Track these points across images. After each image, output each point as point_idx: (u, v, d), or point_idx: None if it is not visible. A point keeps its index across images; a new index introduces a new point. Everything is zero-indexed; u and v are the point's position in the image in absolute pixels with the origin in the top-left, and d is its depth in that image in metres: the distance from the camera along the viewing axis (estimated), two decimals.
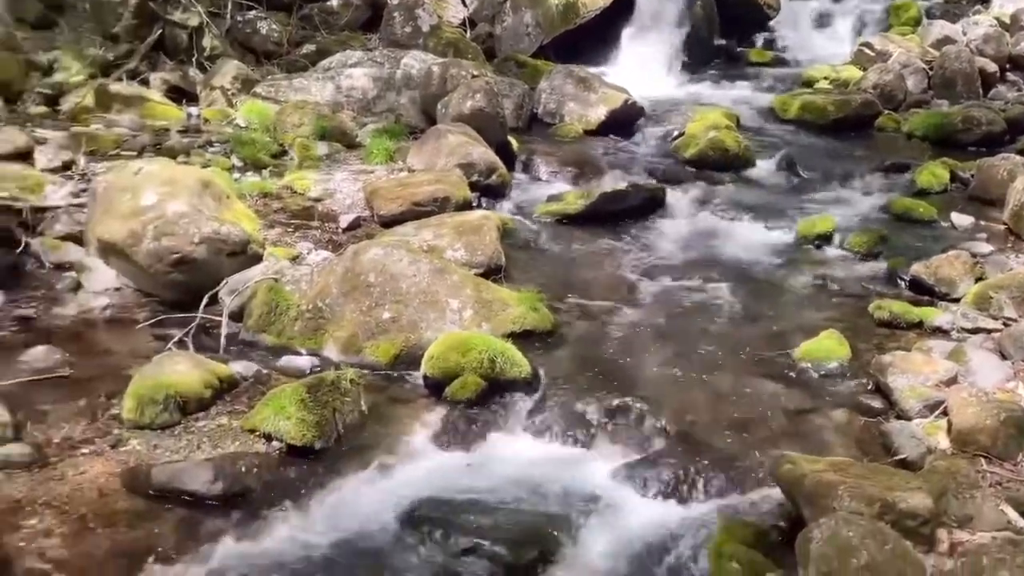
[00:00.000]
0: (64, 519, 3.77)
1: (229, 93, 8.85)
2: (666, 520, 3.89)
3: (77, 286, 5.65)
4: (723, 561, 3.49)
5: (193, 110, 8.76)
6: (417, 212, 6.42)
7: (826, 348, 5.10)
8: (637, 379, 4.88)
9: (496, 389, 4.69)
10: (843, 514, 3.31)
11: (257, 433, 4.33)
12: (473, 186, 6.92)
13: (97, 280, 5.68)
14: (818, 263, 6.39)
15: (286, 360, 5.04)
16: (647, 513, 3.94)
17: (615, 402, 4.59)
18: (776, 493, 3.90)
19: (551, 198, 7.20)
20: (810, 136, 9.03)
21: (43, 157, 6.92)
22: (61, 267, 5.80)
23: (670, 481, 4.11)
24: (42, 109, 8.30)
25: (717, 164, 8.01)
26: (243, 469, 4.09)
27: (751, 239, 6.78)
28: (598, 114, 8.83)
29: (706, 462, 4.20)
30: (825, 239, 6.67)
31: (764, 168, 8.10)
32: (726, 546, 3.53)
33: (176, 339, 5.10)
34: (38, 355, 4.87)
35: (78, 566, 3.55)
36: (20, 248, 5.78)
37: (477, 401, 4.65)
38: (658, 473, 4.15)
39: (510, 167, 7.58)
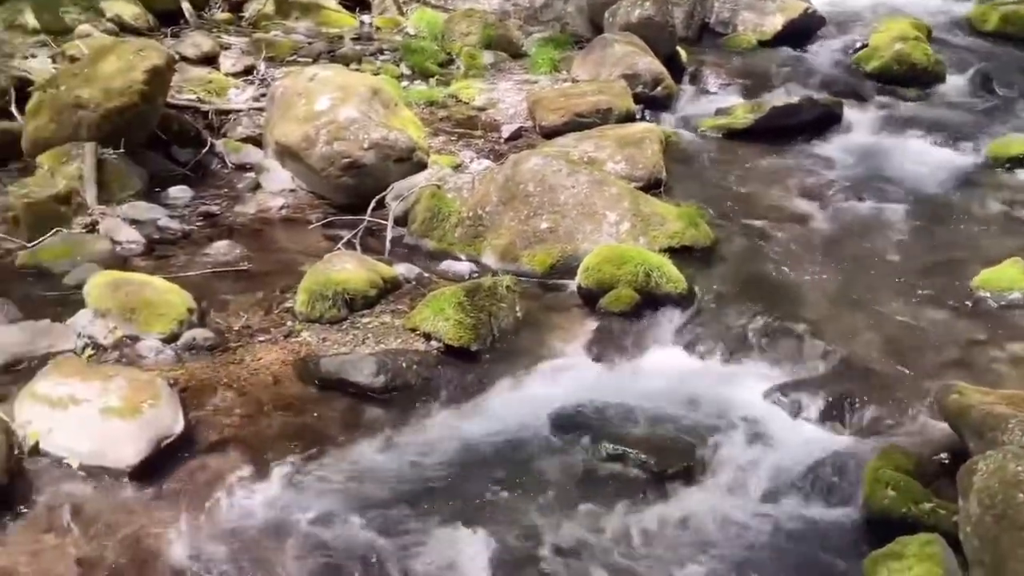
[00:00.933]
0: (242, 400, 4.07)
1: (400, 1, 8.98)
2: (820, 443, 3.81)
3: (256, 186, 5.99)
4: (879, 486, 3.39)
5: (366, 18, 8.96)
6: (579, 123, 6.38)
7: (1008, 277, 4.77)
8: (798, 300, 4.74)
9: (650, 303, 4.68)
10: (1013, 448, 3.14)
11: (417, 332, 4.50)
12: (637, 98, 6.79)
13: (274, 181, 6.00)
14: (1007, 188, 5.94)
15: (446, 264, 5.19)
16: (800, 435, 3.87)
17: (773, 322, 4.49)
18: (939, 424, 3.74)
19: (719, 111, 6.97)
20: (1010, 50, 8.27)
21: (227, 62, 7.31)
22: (242, 167, 6.16)
23: (827, 404, 4.00)
24: (226, 16, 8.68)
25: (902, 79, 7.50)
26: (403, 365, 4.27)
27: (935, 159, 6.36)
28: (774, 24, 8.41)
29: (867, 387, 4.06)
30: (1019, 162, 6.17)
31: (955, 84, 7.53)
32: (883, 471, 3.43)
33: (345, 240, 5.34)
34: (221, 249, 5.23)
35: (254, 444, 3.84)
36: (206, 148, 6.17)
37: (630, 314, 4.65)
38: (814, 395, 4.05)
39: (677, 79, 7.37)
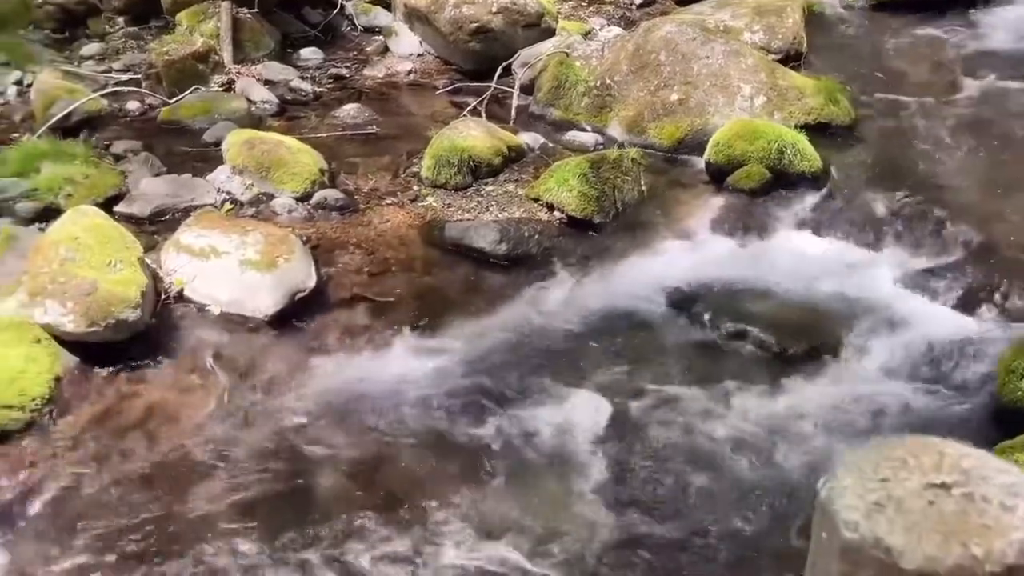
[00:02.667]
0: (370, 259, 4.20)
1: None
2: (953, 330, 3.68)
3: (384, 49, 6.00)
4: (1012, 377, 3.27)
5: None
6: None
7: None
8: (940, 184, 4.49)
9: (782, 181, 4.52)
10: None
11: (540, 202, 4.50)
12: None
13: (402, 45, 5.99)
14: None
15: (571, 135, 5.12)
16: (933, 321, 3.74)
17: (912, 206, 4.29)
18: None
19: None
20: None
21: None
22: (371, 30, 6.16)
23: (962, 292, 3.85)
24: None
25: None
26: (525, 234, 4.30)
27: None
28: None
29: (1006, 277, 3.86)
30: None
31: None
32: (1018, 363, 3.29)
33: (471, 107, 5.32)
34: (350, 111, 5.30)
35: (380, 302, 3.98)
36: (336, 10, 6.18)
37: (760, 192, 4.51)
38: (950, 282, 3.88)
39: None
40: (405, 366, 3.62)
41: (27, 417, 3.17)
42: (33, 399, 3.19)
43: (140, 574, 2.78)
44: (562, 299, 4.00)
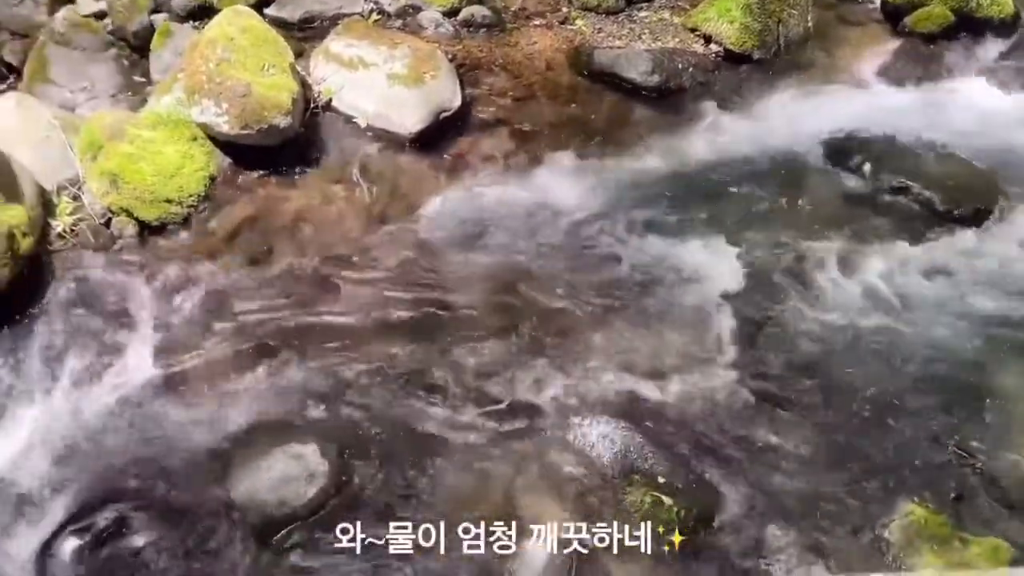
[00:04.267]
0: (515, 83, 4.08)
1: None
2: None
3: None
4: None
5: None
6: None
7: None
8: None
9: (966, 26, 4.14)
10: None
11: (697, 33, 4.25)
12: None
13: None
14: None
15: None
16: None
17: None
18: None
19: None
20: None
21: None
22: None
23: None
24: None
25: None
26: (679, 66, 4.08)
27: None
28: None
29: None
30: None
31: None
32: None
33: None
34: None
35: (523, 128, 3.88)
36: None
37: (940, 36, 4.15)
38: None
39: None
40: (546, 195, 3.56)
41: (184, 212, 3.28)
42: (190, 195, 3.29)
43: (276, 365, 2.91)
44: (713, 139, 3.83)
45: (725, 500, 2.68)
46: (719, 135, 3.84)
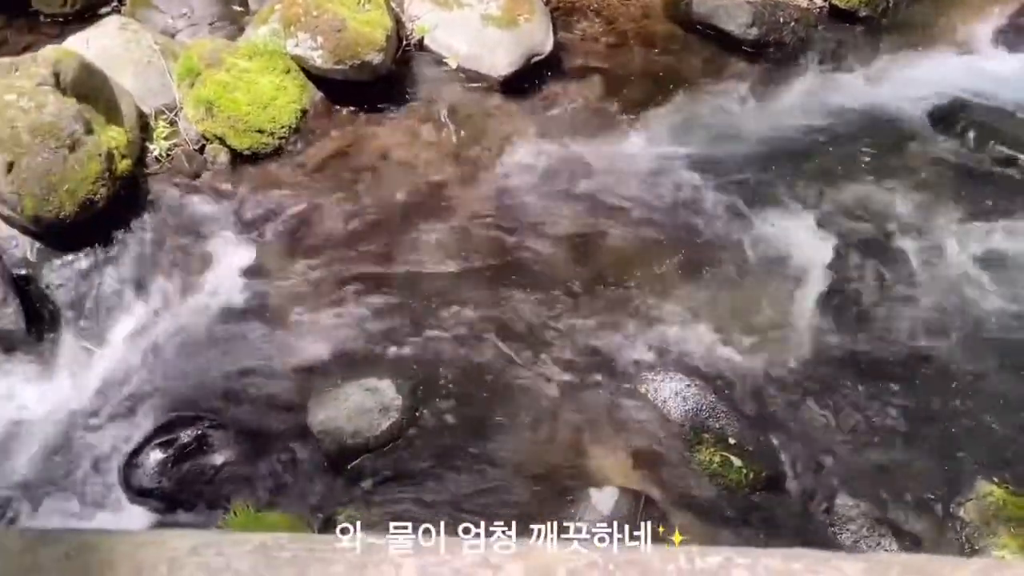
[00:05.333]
0: (609, 30, 4.00)
1: None
2: None
3: None
4: None
5: None
6: None
7: None
8: None
9: None
10: None
11: None
12: None
13: None
14: None
15: None
16: None
17: None
18: None
19: None
20: None
21: None
22: None
23: None
24: None
25: None
26: (781, 20, 3.94)
27: None
28: None
29: None
30: None
31: None
32: None
33: None
34: None
35: (615, 77, 3.81)
36: None
37: None
38: None
39: None
40: (634, 146, 3.51)
41: (276, 143, 3.33)
42: (282, 127, 3.33)
43: (356, 298, 2.96)
44: (813, 98, 3.71)
45: (796, 465, 2.66)
46: (819, 95, 3.71)
